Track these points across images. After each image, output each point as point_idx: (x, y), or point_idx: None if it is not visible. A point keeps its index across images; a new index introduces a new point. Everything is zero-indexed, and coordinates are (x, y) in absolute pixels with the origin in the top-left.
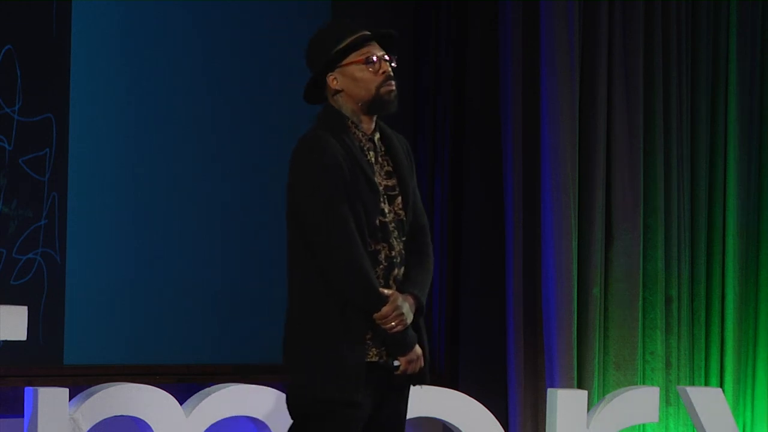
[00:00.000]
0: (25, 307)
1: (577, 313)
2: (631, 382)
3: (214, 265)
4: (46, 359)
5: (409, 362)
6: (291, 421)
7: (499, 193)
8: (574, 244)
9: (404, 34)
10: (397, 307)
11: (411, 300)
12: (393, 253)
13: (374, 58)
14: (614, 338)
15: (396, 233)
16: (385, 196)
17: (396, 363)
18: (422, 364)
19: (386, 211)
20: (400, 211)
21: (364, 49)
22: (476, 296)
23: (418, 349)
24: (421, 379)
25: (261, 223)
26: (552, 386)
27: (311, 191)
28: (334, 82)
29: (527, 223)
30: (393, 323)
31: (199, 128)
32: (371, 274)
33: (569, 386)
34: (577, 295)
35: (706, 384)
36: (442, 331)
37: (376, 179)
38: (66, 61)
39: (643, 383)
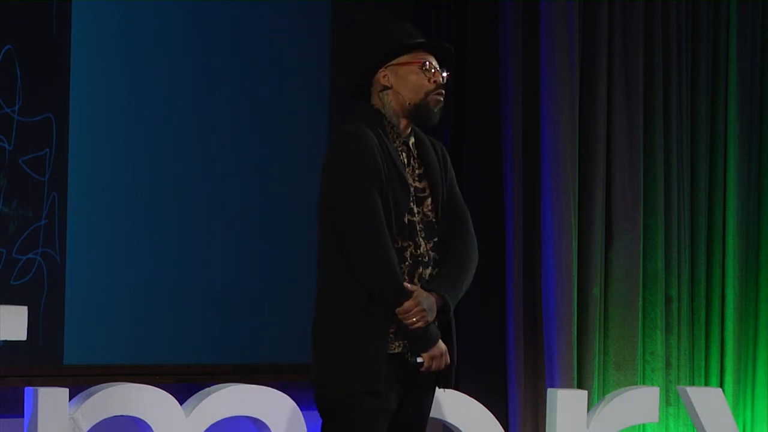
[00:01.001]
0: (25, 307)
1: (577, 313)
2: (631, 382)
3: (214, 265)
4: (46, 359)
5: (432, 358)
6: (290, 421)
7: (499, 193)
8: (574, 244)
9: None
10: (419, 303)
11: (435, 298)
12: (419, 252)
13: (429, 66)
14: (614, 338)
15: (423, 234)
16: (414, 197)
17: (419, 360)
18: (448, 361)
19: (415, 210)
20: (429, 213)
21: (422, 55)
22: (476, 296)
23: (442, 345)
24: (446, 381)
25: (261, 223)
26: (552, 386)
27: (347, 180)
28: (385, 78)
29: (527, 223)
30: (414, 318)
31: (199, 128)
32: (396, 266)
33: (569, 386)
34: (577, 295)
35: (706, 384)
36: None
37: (407, 179)
38: (66, 61)
39: (643, 383)
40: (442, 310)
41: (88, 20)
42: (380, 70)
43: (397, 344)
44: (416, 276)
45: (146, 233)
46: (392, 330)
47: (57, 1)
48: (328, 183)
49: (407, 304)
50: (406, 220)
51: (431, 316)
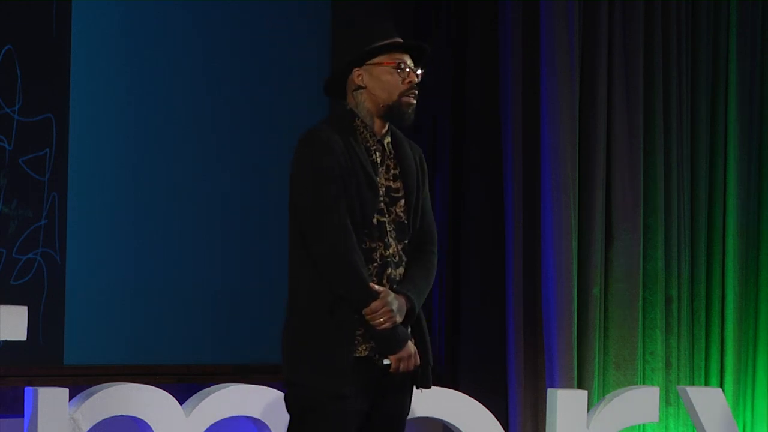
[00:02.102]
0: (25, 307)
1: (577, 313)
2: (631, 382)
3: (214, 265)
4: (46, 359)
5: (399, 360)
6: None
7: (499, 193)
8: (574, 244)
9: (404, 34)
10: (387, 303)
11: (403, 300)
12: (388, 253)
13: (404, 66)
14: (614, 338)
15: (394, 234)
16: (386, 197)
17: (386, 361)
18: (417, 362)
19: (386, 211)
20: (402, 213)
21: (397, 55)
22: (476, 296)
23: (411, 347)
24: (423, 381)
25: (261, 223)
26: (552, 386)
27: (306, 182)
28: (359, 78)
29: (527, 223)
30: (381, 319)
31: (199, 128)
32: (361, 267)
33: (569, 386)
34: (577, 295)
35: (706, 384)
36: (442, 331)
37: (378, 179)
38: (66, 61)
39: (643, 383)
40: (408, 313)
41: (88, 20)
42: (355, 70)
43: (364, 347)
44: (385, 277)
45: (146, 233)
46: (359, 332)
47: (57, 1)
48: (291, 186)
49: (374, 305)
50: (375, 220)
51: (400, 317)
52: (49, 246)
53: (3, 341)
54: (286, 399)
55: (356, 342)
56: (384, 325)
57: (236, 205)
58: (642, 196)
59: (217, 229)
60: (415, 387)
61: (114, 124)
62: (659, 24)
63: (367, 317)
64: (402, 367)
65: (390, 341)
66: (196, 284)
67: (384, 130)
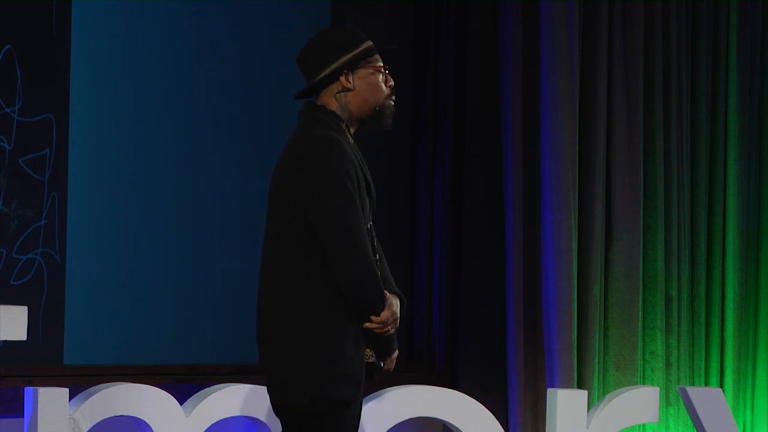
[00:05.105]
0: (25, 307)
1: (577, 313)
2: (631, 382)
3: (214, 265)
4: (46, 359)
5: (392, 361)
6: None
7: (499, 193)
8: (574, 244)
9: (404, 34)
10: (394, 312)
11: (398, 300)
12: (377, 257)
13: (386, 70)
14: (614, 338)
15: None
16: (373, 207)
17: (381, 363)
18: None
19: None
20: (372, 218)
21: (380, 59)
22: (476, 296)
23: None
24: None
25: (261, 224)
26: (552, 386)
27: (335, 190)
28: (347, 81)
29: (527, 223)
30: (389, 327)
31: (199, 128)
32: (379, 276)
33: (569, 386)
34: (577, 295)
35: (706, 384)
36: (442, 331)
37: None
38: (66, 61)
39: (643, 383)
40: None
41: (88, 20)
42: (341, 74)
43: (370, 352)
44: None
45: (146, 233)
46: (363, 337)
47: (57, 1)
48: (309, 193)
49: (384, 314)
50: (369, 225)
51: (400, 320)
52: (49, 246)
53: (3, 341)
54: (281, 402)
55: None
56: (391, 332)
57: (236, 205)
58: (642, 196)
59: (217, 229)
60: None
61: (114, 124)
62: (659, 24)
63: (376, 325)
64: (391, 367)
65: (390, 344)
66: (196, 284)
67: (353, 134)
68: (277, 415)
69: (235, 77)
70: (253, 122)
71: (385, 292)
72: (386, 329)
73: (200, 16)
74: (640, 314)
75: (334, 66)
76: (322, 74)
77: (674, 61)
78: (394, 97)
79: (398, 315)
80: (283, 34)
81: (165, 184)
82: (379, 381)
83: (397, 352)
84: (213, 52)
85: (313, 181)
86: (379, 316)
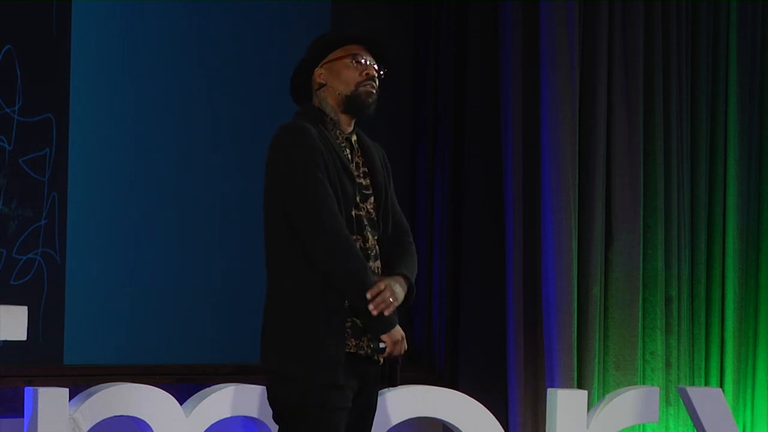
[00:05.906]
0: (25, 307)
1: (577, 313)
2: (631, 382)
3: (214, 265)
4: (46, 359)
5: (395, 343)
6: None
7: (499, 193)
8: (574, 244)
9: (404, 34)
10: (389, 284)
11: (401, 279)
12: (367, 245)
13: (361, 59)
14: (614, 338)
15: (369, 228)
16: (359, 193)
17: (381, 345)
18: (406, 347)
19: (360, 206)
20: (372, 210)
21: (354, 49)
22: (476, 296)
23: (401, 331)
24: (391, 378)
25: (261, 224)
26: (552, 386)
27: (295, 169)
28: (320, 76)
29: (527, 223)
30: (387, 302)
31: (199, 128)
32: (353, 242)
33: (569, 386)
34: (577, 295)
35: (706, 384)
36: (442, 331)
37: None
38: (66, 61)
39: (643, 383)
40: (409, 290)
41: (88, 20)
42: (315, 70)
43: (353, 342)
44: None
45: (146, 233)
46: (348, 325)
47: (57, 1)
48: (273, 177)
49: (379, 285)
50: (353, 213)
51: (401, 298)
52: (49, 246)
53: (3, 341)
54: (276, 399)
55: (346, 335)
56: (389, 310)
57: (236, 205)
58: (642, 196)
59: (217, 229)
60: (383, 385)
61: (114, 124)
62: (659, 24)
63: (372, 299)
64: (396, 350)
65: (384, 320)
66: (196, 284)
67: (350, 129)
68: (272, 410)
69: (235, 77)
70: (253, 122)
71: (366, 267)
72: (384, 303)
73: (200, 16)
74: (640, 314)
75: (301, 68)
76: (295, 74)
77: (674, 61)
78: (371, 83)
79: (396, 291)
80: (283, 34)
81: (165, 184)
82: (391, 371)
83: (400, 333)
84: (213, 52)
85: (272, 165)
86: (372, 288)
